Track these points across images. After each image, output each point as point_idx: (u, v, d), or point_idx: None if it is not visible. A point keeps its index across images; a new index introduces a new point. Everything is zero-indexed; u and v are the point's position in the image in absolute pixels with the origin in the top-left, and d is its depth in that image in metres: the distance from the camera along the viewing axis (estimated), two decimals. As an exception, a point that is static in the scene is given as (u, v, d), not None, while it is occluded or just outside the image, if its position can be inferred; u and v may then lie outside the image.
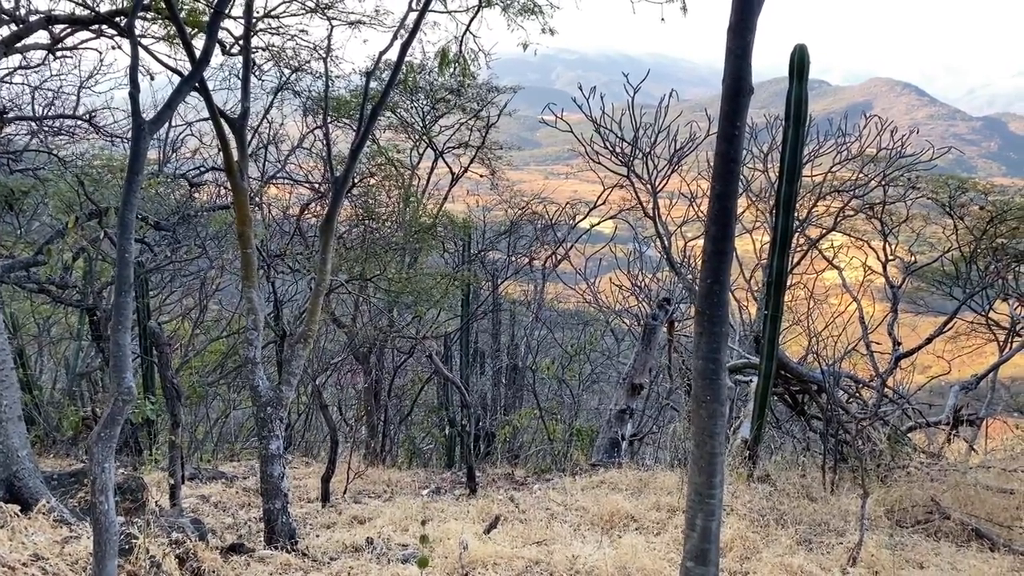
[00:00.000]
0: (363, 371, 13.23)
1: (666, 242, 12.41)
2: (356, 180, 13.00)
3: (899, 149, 13.19)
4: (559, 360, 15.46)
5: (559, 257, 15.56)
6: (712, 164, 3.81)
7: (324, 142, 11.33)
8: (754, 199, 14.55)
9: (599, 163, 13.18)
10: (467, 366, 15.23)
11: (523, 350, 15.36)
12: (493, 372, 15.33)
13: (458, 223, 14.97)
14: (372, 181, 13.93)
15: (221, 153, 6.77)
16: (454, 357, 15.59)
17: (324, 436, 14.79)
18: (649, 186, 12.70)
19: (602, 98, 12.60)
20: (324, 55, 9.90)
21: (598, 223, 16.38)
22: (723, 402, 3.81)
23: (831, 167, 14.05)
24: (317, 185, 13.54)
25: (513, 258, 15.93)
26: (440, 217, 14.29)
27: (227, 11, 7.87)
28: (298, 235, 12.95)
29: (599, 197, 15.33)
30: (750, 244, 15.26)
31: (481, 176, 16.01)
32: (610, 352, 16.10)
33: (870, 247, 14.69)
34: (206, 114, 7.70)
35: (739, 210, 14.63)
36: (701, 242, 11.48)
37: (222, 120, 6.58)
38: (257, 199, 12.55)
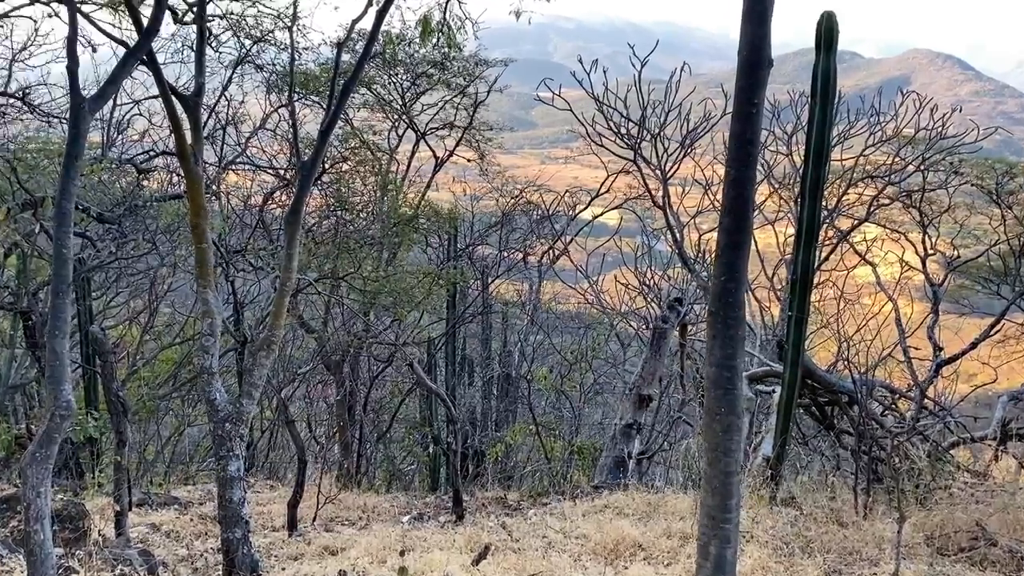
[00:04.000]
0: (335, 382, 13.22)
1: (678, 235, 12.40)
2: (326, 165, 12.95)
3: (940, 129, 13.29)
4: (557, 369, 15.46)
5: (557, 252, 15.57)
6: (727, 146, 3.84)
7: (290, 122, 11.31)
8: (776, 186, 14.77)
9: (602, 146, 13.16)
10: (453, 376, 15.22)
11: (517, 358, 15.34)
12: (483, 383, 15.35)
13: (443, 214, 14.95)
14: (345, 167, 13.96)
15: (172, 135, 6.71)
16: (439, 366, 15.58)
17: (291, 456, 14.85)
18: (658, 172, 12.72)
19: (605, 72, 12.65)
20: (289, 24, 9.91)
21: (601, 214, 16.30)
22: (740, 415, 3.86)
23: (863, 150, 14.12)
24: (282, 171, 13.52)
25: (505, 254, 15.90)
26: (422, 207, 14.28)
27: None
28: (261, 228, 12.94)
29: (602, 184, 15.41)
30: (772, 237, 15.45)
31: (469, 161, 15.99)
32: (615, 359, 16.05)
33: (907, 240, 14.75)
34: (155, 91, 7.67)
35: (759, 198, 14.98)
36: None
37: (174, 98, 6.56)
38: (214, 187, 12.51)
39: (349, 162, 14.07)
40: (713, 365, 3.88)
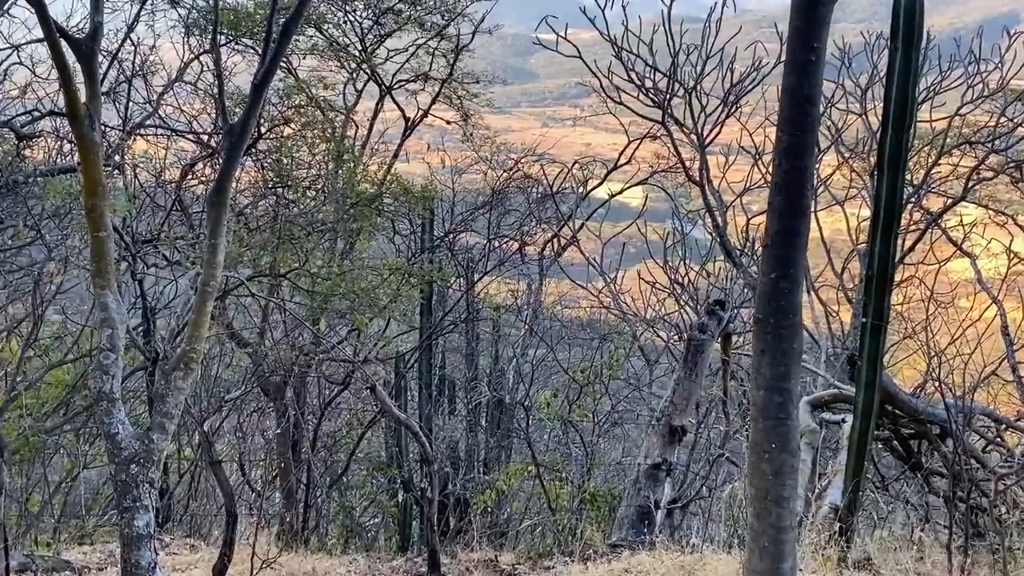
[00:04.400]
0: (275, 411, 13.30)
1: (719, 218, 12.38)
2: (263, 129, 12.92)
3: (1060, 81, 13.22)
4: (564, 393, 15.33)
5: (564, 242, 15.52)
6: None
7: (215, 73, 11.03)
8: (847, 155, 14.87)
9: (621, 103, 13.08)
10: (429, 402, 15.20)
11: (511, 379, 15.29)
12: (468, 411, 15.36)
13: (415, 192, 14.90)
14: (287, 131, 13.93)
15: (62, 91, 6.68)
16: (410, 389, 15.58)
17: (217, 507, 14.70)
18: (695, 137, 12.69)
19: (624, 8, 12.58)
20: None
21: (621, 191, 16.23)
22: (795, 452, 3.96)
23: (959, 108, 14.08)
24: (205, 136, 13.51)
25: (496, 244, 15.89)
26: (388, 183, 14.25)
27: None
28: (178, 210, 12.88)
29: (621, 153, 15.27)
30: (841, 221, 15.46)
31: (449, 123, 16.12)
32: (638, 381, 16.00)
33: (1016, 224, 14.90)
34: (39, 33, 7.63)
35: (823, 171, 14.93)
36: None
37: (62, 41, 6.49)
38: (116, 157, 12.45)
39: (292, 125, 14.06)
40: (761, 388, 3.96)
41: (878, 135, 9.90)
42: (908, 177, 12.65)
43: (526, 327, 15.54)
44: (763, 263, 3.99)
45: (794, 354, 3.97)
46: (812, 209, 9.84)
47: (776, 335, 3.91)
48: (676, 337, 14.64)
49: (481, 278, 15.75)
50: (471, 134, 16.18)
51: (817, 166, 13.87)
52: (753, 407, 4.04)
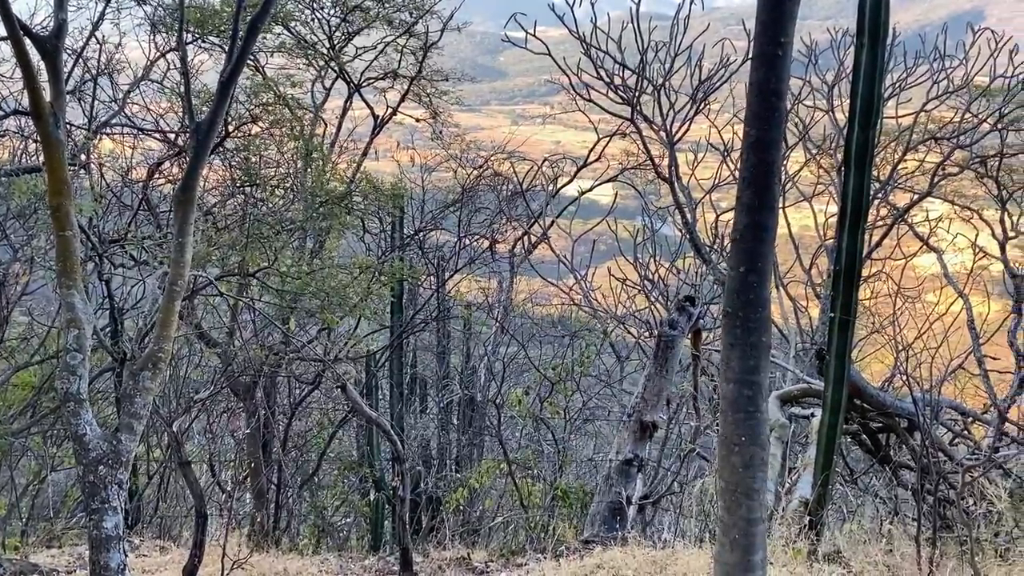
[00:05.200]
0: (245, 411, 13.25)
1: (688, 215, 12.44)
2: (230, 128, 12.97)
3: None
4: (536, 390, 15.38)
5: (535, 239, 15.58)
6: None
7: (181, 71, 10.83)
8: (814, 151, 14.99)
9: (591, 101, 13.18)
10: (401, 401, 15.23)
11: (483, 377, 15.29)
12: (439, 409, 15.31)
13: (384, 190, 14.91)
14: (255, 129, 13.89)
15: (25, 89, 6.57)
16: (381, 388, 15.61)
17: (187, 508, 14.75)
18: (664, 134, 12.74)
19: (593, 5, 12.59)
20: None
21: (591, 189, 16.22)
22: (765, 445, 3.93)
23: (925, 104, 14.21)
24: (172, 135, 13.50)
25: (467, 241, 15.86)
26: (358, 181, 14.27)
27: None
28: (145, 209, 12.89)
29: (591, 150, 15.39)
30: (809, 217, 15.55)
31: (418, 121, 16.05)
32: (609, 377, 16.04)
33: (982, 219, 14.84)
34: (2, 31, 7.59)
35: (791, 167, 15.13)
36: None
37: (26, 40, 6.40)
38: (82, 156, 12.45)
39: (260, 123, 14.02)
40: (731, 381, 3.97)
41: (845, 131, 9.97)
42: (875, 173, 12.89)
43: (497, 325, 15.54)
44: (732, 257, 4.02)
45: (763, 347, 3.98)
46: (780, 204, 10.56)
47: (745, 328, 3.92)
48: (647, 334, 14.66)
49: (452, 276, 15.73)
50: (440, 132, 16.15)
51: (785, 162, 14.01)
52: (723, 400, 4.05)
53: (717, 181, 14.63)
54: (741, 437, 3.89)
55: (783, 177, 13.36)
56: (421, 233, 15.72)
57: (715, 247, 13.76)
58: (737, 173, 13.35)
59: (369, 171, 15.04)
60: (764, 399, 4.00)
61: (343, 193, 13.27)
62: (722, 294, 12.65)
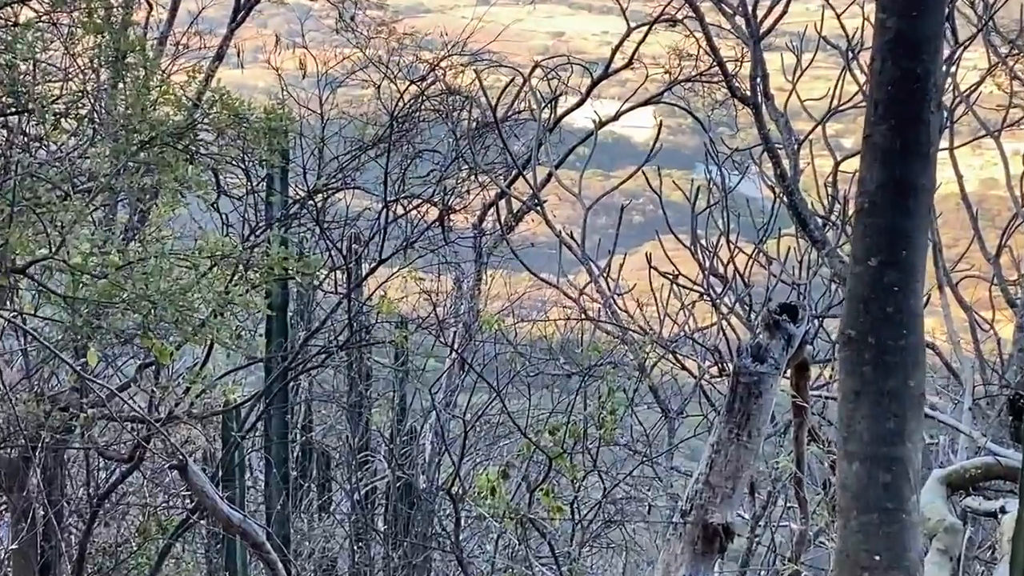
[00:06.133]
0: (10, 510, 11.45)
1: (787, 163, 10.63)
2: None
3: None
4: (521, 470, 12.47)
5: (518, 205, 13.53)
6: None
7: None
8: (1006, 52, 12.26)
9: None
10: (286, 491, 12.61)
11: (429, 447, 13.31)
12: (354, 505, 13.23)
13: (255, 121, 10.79)
14: (27, 15, 10.71)
15: None
16: (252, 468, 13.33)
17: None
18: (743, 20, 10.85)
19: None
20: None
21: (616, 116, 14.14)
22: (914, 567, 3.19)
23: None
24: None
25: (400, 209, 13.28)
26: (208, 105, 10.83)
27: None
28: None
29: (616, 48, 13.47)
30: (996, 164, 12.55)
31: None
32: (649, 445, 13.18)
33: None
34: None
35: (963, 79, 12.22)
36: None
37: None
38: None
39: (35, 2, 10.86)
40: (855, 458, 3.14)
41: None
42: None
43: (453, 355, 13.35)
44: (856, 241, 3.13)
45: (911, 398, 3.10)
46: (941, 146, 10.13)
47: (879, 365, 3.05)
48: (713, 370, 11.92)
49: (374, 270, 13.12)
50: (353, 17, 13.68)
51: (952, 71, 11.24)
52: (840, 491, 3.25)
53: (837, 103, 11.27)
54: (874, 556, 3.08)
55: (950, 97, 10.98)
56: (320, 196, 13.01)
57: (834, 219, 11.16)
58: (867, 91, 9.51)
59: (228, 87, 11.18)
60: (914, 488, 3.24)
61: (181, 126, 10.35)
62: (843, 300, 10.19)
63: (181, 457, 8.45)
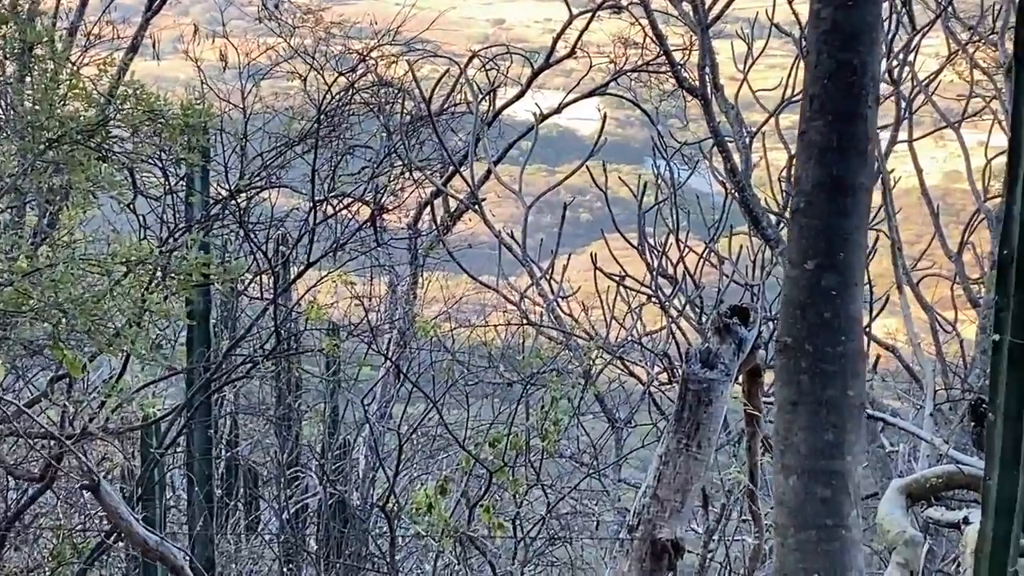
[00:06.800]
0: None
1: (738, 157, 11.09)
2: None
3: None
4: (460, 485, 12.11)
5: (456, 204, 13.53)
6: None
7: None
8: (966, 38, 12.22)
9: (557, -58, 11.97)
10: (209, 511, 11.97)
11: (362, 461, 13.19)
12: (283, 524, 13.00)
13: (173, 116, 10.41)
14: None
15: None
16: (173, 486, 12.99)
17: None
18: (691, 7, 11.21)
19: None
20: None
21: (560, 108, 14.27)
22: None
23: None
24: None
25: (330, 209, 12.87)
26: (121, 100, 10.34)
27: None
28: None
29: (558, 35, 13.36)
30: (957, 157, 12.60)
31: (238, -19, 14.59)
32: (596, 457, 13.00)
33: None
34: None
35: (921, 66, 12.72)
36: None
37: None
38: None
39: None
40: (792, 472, 3.25)
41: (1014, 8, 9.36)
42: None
43: (388, 363, 13.19)
44: (792, 243, 3.30)
45: (850, 408, 3.16)
46: (899, 139, 10.48)
47: (816, 374, 3.12)
48: (663, 376, 12.38)
49: (301, 273, 12.66)
50: (278, 5, 13.70)
51: (911, 58, 11.65)
52: (778, 506, 3.33)
53: (791, 94, 11.46)
54: (814, 566, 3.18)
55: (908, 87, 11.23)
56: (243, 195, 12.52)
57: (786, 213, 11.12)
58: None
59: (143, 80, 10.95)
60: (855, 502, 3.32)
61: (93, 123, 10.35)
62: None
63: (94, 476, 8.04)
